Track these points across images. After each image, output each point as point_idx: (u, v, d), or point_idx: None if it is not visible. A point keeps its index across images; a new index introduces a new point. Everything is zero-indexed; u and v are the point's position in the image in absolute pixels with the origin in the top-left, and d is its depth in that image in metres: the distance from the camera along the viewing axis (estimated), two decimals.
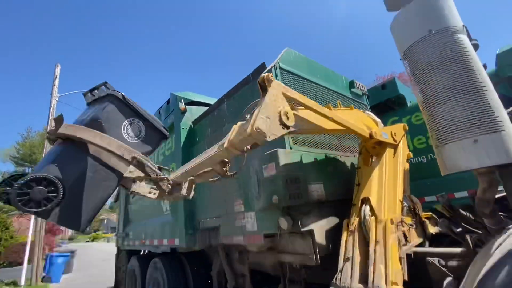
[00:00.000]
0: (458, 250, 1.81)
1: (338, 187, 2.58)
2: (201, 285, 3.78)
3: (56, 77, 11.05)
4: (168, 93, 4.56)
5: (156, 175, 1.99)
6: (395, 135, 2.70)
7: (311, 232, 2.12)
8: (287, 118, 1.59)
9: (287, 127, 1.58)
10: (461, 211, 1.86)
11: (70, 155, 1.78)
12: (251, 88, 2.81)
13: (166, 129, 2.19)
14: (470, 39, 1.60)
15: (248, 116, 1.88)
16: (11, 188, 1.50)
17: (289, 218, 2.08)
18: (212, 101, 4.52)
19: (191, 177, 2.12)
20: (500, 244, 1.17)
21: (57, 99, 10.82)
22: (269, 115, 1.50)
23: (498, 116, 1.32)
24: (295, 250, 2.23)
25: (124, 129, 2.03)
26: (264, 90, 1.64)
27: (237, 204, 2.75)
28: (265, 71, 2.66)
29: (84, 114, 2.01)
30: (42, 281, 9.11)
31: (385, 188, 2.31)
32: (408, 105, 4.82)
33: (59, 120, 1.70)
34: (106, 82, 2.00)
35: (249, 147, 1.70)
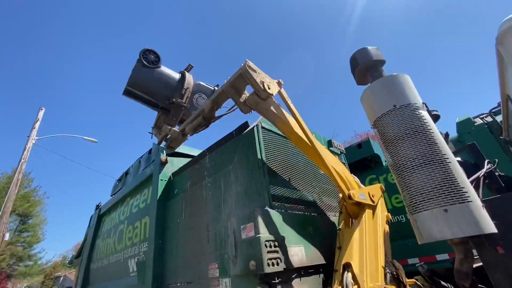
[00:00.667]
0: None
1: (319, 250, 2.48)
2: None
3: (38, 120, 10.82)
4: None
5: None
6: (373, 196, 2.74)
7: None
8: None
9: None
10: (442, 282, 1.80)
11: None
12: (234, 144, 2.86)
13: None
14: (430, 114, 1.78)
15: None
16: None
17: (267, 287, 1.91)
18: (194, 152, 4.53)
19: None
20: None
21: (33, 142, 10.38)
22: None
23: (463, 187, 1.40)
24: None
25: None
26: None
27: (211, 268, 2.52)
28: (247, 129, 2.77)
29: None
30: None
31: (366, 252, 2.24)
32: (384, 164, 5.07)
33: None
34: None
35: None
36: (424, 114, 1.68)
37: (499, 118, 4.12)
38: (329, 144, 3.83)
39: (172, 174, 3.82)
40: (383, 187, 3.05)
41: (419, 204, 1.48)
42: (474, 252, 1.56)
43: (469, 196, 1.38)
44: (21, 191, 25.38)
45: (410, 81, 1.86)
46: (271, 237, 2.06)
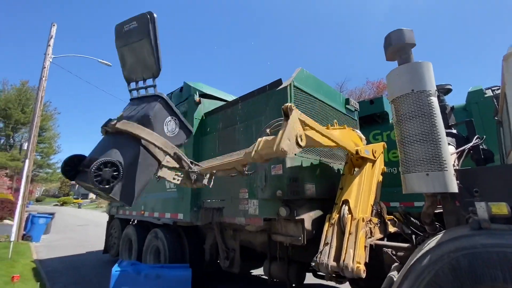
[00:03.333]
0: (405, 245, 2.54)
1: (325, 188, 3.23)
2: (195, 255, 4.39)
3: (52, 37, 10.70)
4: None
5: (189, 168, 2.49)
6: (375, 153, 3.37)
7: (302, 220, 2.77)
8: (301, 139, 2.14)
9: (301, 147, 2.14)
10: (412, 219, 2.57)
11: (125, 144, 2.15)
12: (266, 97, 3.32)
13: (191, 126, 2.68)
14: (439, 99, 2.22)
15: (268, 130, 2.43)
16: (88, 169, 1.89)
17: (287, 208, 2.70)
18: (222, 95, 4.97)
19: (214, 171, 2.64)
20: (428, 244, 1.84)
21: (51, 60, 10.54)
22: (290, 137, 2.04)
23: (445, 160, 1.97)
24: (287, 233, 2.88)
25: (165, 125, 2.50)
26: (287, 116, 2.17)
27: (242, 191, 3.33)
28: (281, 86, 3.18)
29: (131, 110, 2.41)
30: (23, 239, 9.32)
31: (361, 194, 2.99)
32: (390, 121, 5.56)
33: (119, 118, 2.14)
34: (155, 85, 2.43)
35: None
36: (434, 100, 2.11)
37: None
38: (346, 102, 4.26)
39: (205, 114, 4.36)
40: (385, 146, 3.65)
41: (410, 167, 2.08)
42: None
43: (446, 166, 1.96)
44: (31, 105, 26.25)
45: (431, 68, 2.21)
46: (294, 176, 2.76)
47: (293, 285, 3.36)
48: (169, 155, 2.35)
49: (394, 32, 2.40)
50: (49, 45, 10.59)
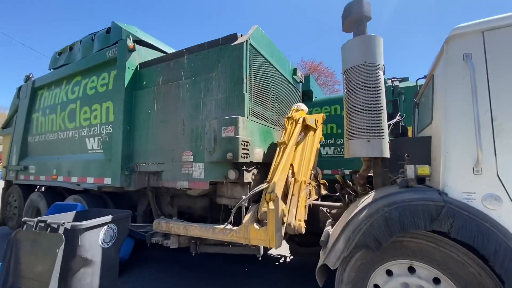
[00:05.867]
0: (338, 204, 2.87)
1: (270, 153, 3.30)
2: None
3: None
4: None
5: None
6: (317, 122, 3.58)
7: (250, 184, 2.78)
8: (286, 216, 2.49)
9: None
10: (347, 180, 2.90)
11: None
12: (218, 52, 3.02)
13: None
14: (384, 73, 2.42)
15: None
16: None
17: (236, 171, 2.64)
18: (161, 45, 4.33)
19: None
20: (363, 201, 2.10)
21: None
22: (279, 229, 2.33)
23: (383, 129, 2.22)
24: (233, 196, 2.85)
25: None
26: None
27: (185, 154, 3.08)
28: (236, 42, 2.92)
29: None
30: None
31: (304, 159, 3.17)
32: (313, 100, 6.04)
33: None
34: None
35: None
36: (381, 74, 2.30)
37: (402, 84, 5.24)
38: (294, 72, 4.31)
39: (140, 64, 3.73)
40: (325, 117, 3.93)
41: (354, 134, 2.27)
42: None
43: (384, 134, 2.22)
44: None
45: (382, 43, 2.37)
46: (245, 139, 2.68)
47: None
48: None
49: (354, 3, 2.43)
50: None
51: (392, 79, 5.40)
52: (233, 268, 3.92)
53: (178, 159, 3.13)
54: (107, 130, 3.80)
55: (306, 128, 3.43)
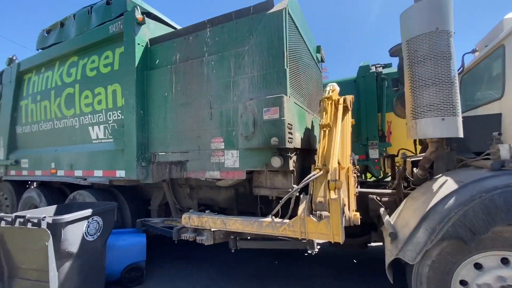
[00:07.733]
0: (389, 191, 2.64)
1: (307, 138, 3.01)
2: (138, 218, 3.63)
3: None
4: None
5: None
6: (351, 103, 3.30)
7: (293, 172, 2.48)
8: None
9: None
10: (406, 166, 2.66)
11: None
12: (249, 22, 2.62)
13: None
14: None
15: None
16: None
17: (281, 158, 2.33)
18: (171, 22, 3.83)
19: None
20: (439, 187, 1.86)
21: None
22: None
23: (457, 105, 1.96)
24: (274, 185, 2.55)
25: None
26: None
27: (215, 141, 2.72)
28: (272, 9, 2.53)
29: None
30: None
31: (345, 144, 2.90)
32: None
33: None
34: None
35: None
36: (452, 43, 2.02)
37: (385, 71, 5.13)
38: (317, 49, 3.97)
39: (150, 40, 3.26)
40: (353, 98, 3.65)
41: (423, 112, 2.00)
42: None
43: (458, 111, 1.96)
44: None
45: (452, 5, 2.08)
46: (291, 121, 2.36)
47: None
48: None
49: None
50: None
51: (376, 65, 5.29)
52: (269, 263, 3.68)
53: (206, 146, 2.77)
54: (115, 117, 3.35)
55: (345, 109, 3.16)
